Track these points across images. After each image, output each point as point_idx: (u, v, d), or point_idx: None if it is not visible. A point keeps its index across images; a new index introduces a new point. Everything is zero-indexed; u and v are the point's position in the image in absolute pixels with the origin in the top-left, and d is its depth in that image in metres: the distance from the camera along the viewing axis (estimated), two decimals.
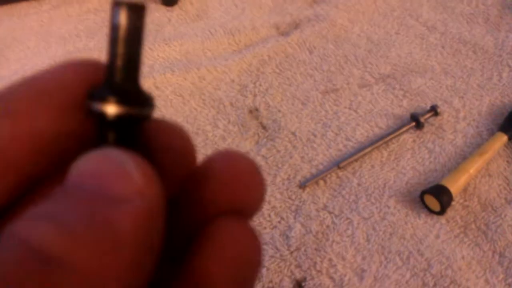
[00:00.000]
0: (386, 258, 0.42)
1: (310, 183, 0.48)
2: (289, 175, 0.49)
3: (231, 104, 0.57)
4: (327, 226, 0.44)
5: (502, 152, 0.50)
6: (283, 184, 0.48)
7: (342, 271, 0.41)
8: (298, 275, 0.41)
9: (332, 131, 0.53)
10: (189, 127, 0.54)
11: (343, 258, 0.42)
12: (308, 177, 0.49)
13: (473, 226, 0.44)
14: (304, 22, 0.69)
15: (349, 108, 0.56)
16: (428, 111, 0.53)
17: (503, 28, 0.66)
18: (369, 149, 0.50)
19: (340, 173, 0.49)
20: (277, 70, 0.61)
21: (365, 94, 0.58)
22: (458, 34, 0.66)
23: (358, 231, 0.44)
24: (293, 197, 0.47)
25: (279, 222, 0.45)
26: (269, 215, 0.45)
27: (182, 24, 0.70)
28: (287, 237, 0.44)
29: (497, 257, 0.42)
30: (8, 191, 0.11)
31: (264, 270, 0.41)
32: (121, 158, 0.10)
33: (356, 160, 0.50)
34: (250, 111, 0.56)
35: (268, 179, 0.48)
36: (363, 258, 0.42)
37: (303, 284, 0.41)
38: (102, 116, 0.11)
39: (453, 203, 0.45)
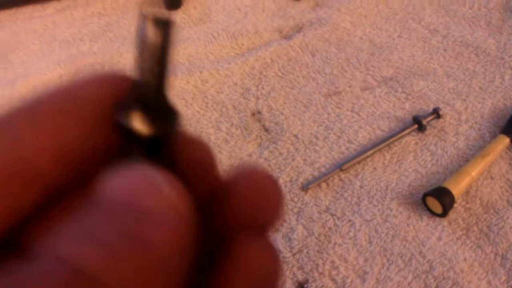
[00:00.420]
0: (388, 260, 0.42)
1: (312, 185, 0.48)
2: (292, 178, 0.49)
3: (234, 107, 0.57)
4: (329, 228, 0.45)
5: (504, 155, 0.50)
6: (285, 186, 0.48)
7: (344, 273, 0.41)
8: (300, 277, 0.41)
9: (335, 134, 0.53)
10: (192, 130, 0.55)
11: (345, 260, 0.42)
12: (310, 179, 0.49)
13: (475, 228, 0.44)
14: (306, 25, 0.69)
15: (352, 111, 0.56)
16: (430, 114, 0.53)
17: (505, 31, 0.66)
18: (371, 151, 0.50)
19: (343, 176, 0.49)
20: (280, 73, 0.62)
21: (368, 97, 0.58)
22: (460, 37, 0.66)
23: (360, 233, 0.44)
24: (296, 199, 0.47)
25: (282, 224, 0.45)
26: None
27: (185, 28, 0.71)
28: (289, 239, 0.44)
29: (499, 259, 0.42)
30: (34, 202, 0.11)
31: None
32: (152, 174, 0.10)
33: (358, 163, 0.50)
34: (253, 114, 0.56)
35: None
36: (365, 260, 0.42)
37: (305, 286, 0.41)
38: (131, 132, 0.11)
39: (455, 205, 0.45)
